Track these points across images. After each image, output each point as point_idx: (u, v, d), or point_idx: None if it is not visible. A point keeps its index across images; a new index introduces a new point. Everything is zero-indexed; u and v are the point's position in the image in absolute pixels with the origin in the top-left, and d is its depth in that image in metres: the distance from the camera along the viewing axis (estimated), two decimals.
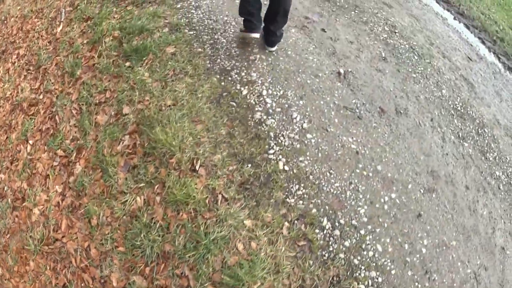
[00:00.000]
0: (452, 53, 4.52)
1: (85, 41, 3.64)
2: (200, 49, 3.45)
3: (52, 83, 3.48)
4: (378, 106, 3.47)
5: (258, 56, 3.43)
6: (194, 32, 3.60)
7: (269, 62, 3.41)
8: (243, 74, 3.30)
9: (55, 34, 3.91)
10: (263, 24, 3.32)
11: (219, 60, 3.38)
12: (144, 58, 3.32)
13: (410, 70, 3.90)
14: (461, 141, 3.73)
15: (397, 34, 4.21)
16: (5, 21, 4.48)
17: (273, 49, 3.47)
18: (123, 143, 2.92)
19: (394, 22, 4.38)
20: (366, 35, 4.02)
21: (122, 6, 3.88)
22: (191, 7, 3.85)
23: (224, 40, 3.53)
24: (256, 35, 3.31)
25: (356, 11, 4.33)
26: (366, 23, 4.18)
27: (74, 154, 3.01)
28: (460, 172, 3.52)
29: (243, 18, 3.27)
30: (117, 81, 3.26)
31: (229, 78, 3.25)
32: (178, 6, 3.85)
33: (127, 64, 3.33)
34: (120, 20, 3.70)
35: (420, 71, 3.95)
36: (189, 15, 3.76)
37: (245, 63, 3.37)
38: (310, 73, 3.43)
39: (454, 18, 5.33)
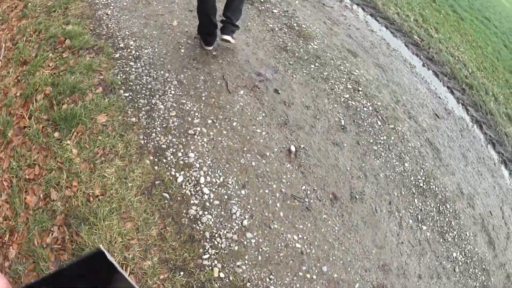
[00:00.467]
0: (418, 111, 4.14)
1: (18, 93, 3.20)
2: (134, 119, 2.98)
3: None
4: (330, 192, 3.07)
5: (198, 129, 2.96)
6: (130, 93, 3.13)
7: (210, 138, 2.93)
8: (179, 154, 2.86)
9: None
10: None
11: (154, 134, 2.93)
12: (73, 130, 2.88)
13: (371, 141, 3.49)
14: (420, 225, 3.41)
15: (360, 92, 3.77)
16: None
17: (228, 37, 3.45)
18: (52, 234, 2.58)
19: (358, 76, 3.93)
20: (325, 97, 3.56)
21: (58, 51, 3.41)
22: (130, 57, 3.35)
23: (162, 107, 3.05)
24: (209, 48, 3.56)
25: (317, 64, 3.84)
26: (327, 80, 3.71)
27: (7, 236, 2.64)
28: (414, 261, 3.22)
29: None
30: (45, 155, 2.83)
31: (164, 160, 2.81)
32: (117, 55, 3.37)
33: (56, 134, 2.87)
34: (54, 71, 3.24)
35: (382, 141, 3.55)
36: (127, 69, 3.28)
37: (183, 139, 2.92)
38: (256, 152, 2.98)
39: (423, 65, 4.94)
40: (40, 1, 4.00)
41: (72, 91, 3.03)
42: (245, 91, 3.33)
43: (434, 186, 3.73)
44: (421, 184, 3.63)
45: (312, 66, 3.82)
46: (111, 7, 3.90)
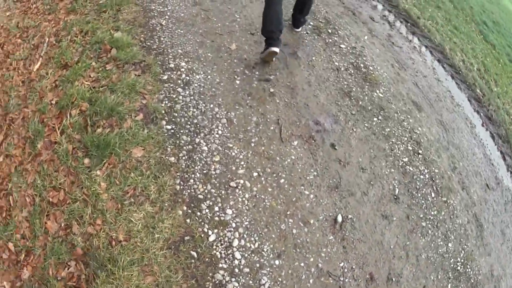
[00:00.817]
0: (472, 181, 3.79)
1: (54, 101, 2.93)
2: (173, 158, 2.67)
3: (14, 145, 2.85)
4: (368, 272, 2.79)
5: (241, 182, 2.64)
6: (173, 126, 2.81)
7: (252, 194, 2.62)
8: (216, 209, 2.54)
9: (30, 72, 3.21)
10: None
11: (192, 180, 2.61)
12: (104, 160, 2.59)
13: (421, 215, 3.17)
14: None
15: (420, 156, 3.41)
16: None
17: (299, 30, 3.91)
18: (68, 269, 2.38)
19: (420, 135, 3.56)
20: (383, 158, 3.21)
21: (102, 61, 3.10)
22: (179, 81, 3.02)
23: (206, 148, 2.73)
24: (276, 49, 3.26)
25: (380, 117, 3.46)
26: (388, 138, 3.35)
27: (23, 256, 2.47)
28: None
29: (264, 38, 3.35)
30: (72, 181, 2.56)
31: (198, 214, 2.50)
32: (165, 77, 3.06)
33: (86, 161, 2.60)
34: (94, 84, 2.95)
35: (432, 217, 3.23)
36: (174, 96, 2.97)
37: (223, 191, 2.61)
38: (299, 218, 2.68)
39: (482, 124, 4.56)
40: None
41: (109, 113, 2.72)
42: (299, 142, 2.98)
43: (469, 270, 3.43)
44: (459, 268, 3.33)
45: (375, 119, 3.45)
46: (167, 17, 3.52)
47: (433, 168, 3.48)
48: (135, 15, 3.52)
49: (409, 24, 5.31)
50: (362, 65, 3.87)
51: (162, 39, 3.34)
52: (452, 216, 3.45)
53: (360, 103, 3.49)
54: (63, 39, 3.28)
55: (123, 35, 3.22)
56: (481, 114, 4.70)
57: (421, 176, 3.37)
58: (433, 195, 3.37)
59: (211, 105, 2.94)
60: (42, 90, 3.00)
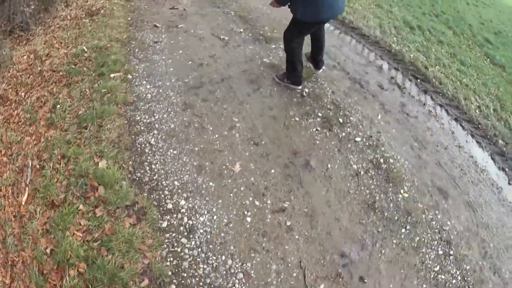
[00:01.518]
0: (503, 259, 3.48)
1: (48, 250, 2.60)
2: None
3: None
4: None
5: None
6: None
7: None
8: None
9: (20, 205, 2.89)
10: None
11: None
12: None
13: None
14: None
15: (451, 257, 3.14)
16: None
17: (320, 71, 4.38)
18: None
19: (449, 231, 3.26)
20: (415, 276, 2.93)
21: (90, 203, 2.78)
22: (181, 229, 2.68)
23: None
24: (300, 87, 4.17)
25: (408, 227, 3.14)
26: (417, 250, 3.05)
27: None
28: None
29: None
30: None
31: None
32: (164, 224, 2.72)
33: None
34: (87, 237, 2.63)
35: None
36: (178, 250, 2.61)
37: None
38: None
39: (509, 182, 4.22)
40: (70, 104, 3.29)
41: (111, 279, 2.40)
42: (326, 285, 2.69)
43: None
44: None
45: (403, 230, 3.13)
46: (155, 132, 3.16)
47: (465, 266, 3.20)
48: (119, 132, 3.16)
49: (418, 80, 4.94)
50: (382, 160, 3.52)
51: (153, 166, 2.99)
52: None
53: (386, 214, 3.16)
54: (45, 165, 2.98)
55: (109, 164, 2.89)
56: (507, 170, 4.38)
57: (453, 281, 3.09)
58: None
59: (223, 257, 2.61)
60: (34, 234, 2.66)
